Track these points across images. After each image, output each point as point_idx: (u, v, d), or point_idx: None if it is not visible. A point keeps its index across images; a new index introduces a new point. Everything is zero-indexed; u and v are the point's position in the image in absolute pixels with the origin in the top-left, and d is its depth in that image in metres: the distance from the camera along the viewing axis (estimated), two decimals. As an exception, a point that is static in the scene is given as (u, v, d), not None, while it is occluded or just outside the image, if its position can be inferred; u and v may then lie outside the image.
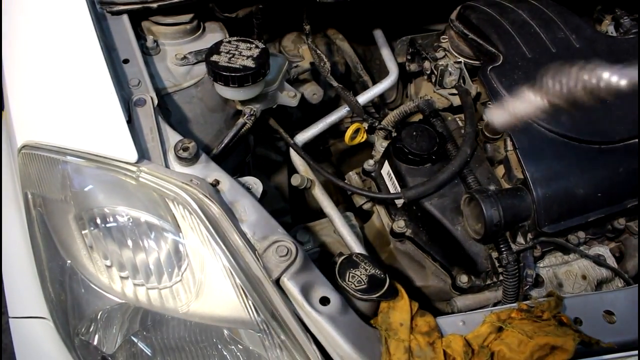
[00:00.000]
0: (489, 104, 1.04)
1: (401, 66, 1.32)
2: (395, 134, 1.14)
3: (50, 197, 0.85)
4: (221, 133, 1.09)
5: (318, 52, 1.22)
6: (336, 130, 1.42)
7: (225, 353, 0.79)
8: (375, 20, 1.40)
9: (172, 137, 0.90)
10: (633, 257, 1.07)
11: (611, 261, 1.03)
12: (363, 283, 0.79)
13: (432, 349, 0.76)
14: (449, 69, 1.19)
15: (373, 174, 1.18)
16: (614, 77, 0.97)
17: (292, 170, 1.21)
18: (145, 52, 1.08)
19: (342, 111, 1.19)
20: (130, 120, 0.88)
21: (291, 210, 1.42)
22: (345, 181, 1.21)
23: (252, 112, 1.05)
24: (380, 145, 1.22)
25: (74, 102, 0.88)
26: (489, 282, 1.00)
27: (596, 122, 1.00)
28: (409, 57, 1.31)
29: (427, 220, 1.04)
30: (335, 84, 1.16)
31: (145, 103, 0.92)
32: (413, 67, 1.31)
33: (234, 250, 0.78)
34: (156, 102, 0.93)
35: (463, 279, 1.00)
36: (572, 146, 0.97)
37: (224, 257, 0.77)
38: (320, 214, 1.17)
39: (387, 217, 1.14)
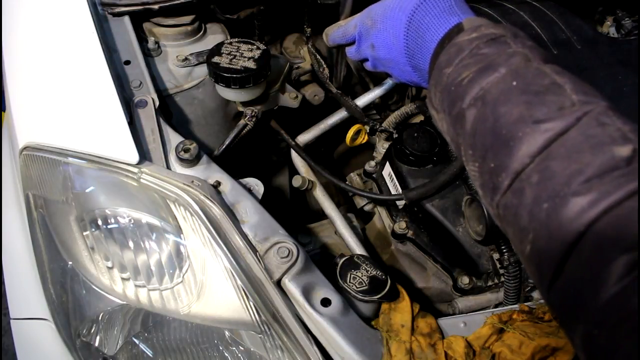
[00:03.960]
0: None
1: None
2: (397, 136, 1.14)
3: (51, 199, 0.85)
4: (222, 134, 1.09)
5: (317, 57, 1.22)
6: (337, 131, 1.42)
7: (226, 354, 0.79)
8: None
9: (174, 138, 0.90)
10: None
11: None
12: (364, 284, 0.79)
13: (434, 350, 0.76)
14: (450, 70, 1.19)
15: (374, 175, 1.18)
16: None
17: (293, 171, 1.21)
18: (147, 54, 1.08)
19: (344, 112, 1.19)
20: (132, 122, 0.88)
21: (292, 212, 1.42)
22: (347, 182, 1.21)
23: (253, 114, 1.05)
24: (382, 146, 1.23)
25: (75, 103, 0.88)
26: (490, 283, 1.00)
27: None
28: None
29: (428, 221, 1.04)
30: (334, 90, 1.16)
31: (146, 104, 0.92)
32: (414, 68, 1.30)
33: (235, 252, 0.78)
34: (157, 103, 0.93)
35: (464, 280, 1.00)
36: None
37: (225, 259, 0.77)
38: (322, 215, 1.17)
39: (389, 219, 1.14)
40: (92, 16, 0.98)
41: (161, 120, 0.91)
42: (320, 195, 1.14)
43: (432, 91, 0.65)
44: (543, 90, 0.53)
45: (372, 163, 1.19)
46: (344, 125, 1.20)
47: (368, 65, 0.86)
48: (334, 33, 0.89)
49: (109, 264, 0.81)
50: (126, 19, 1.07)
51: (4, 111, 1.02)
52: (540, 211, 0.48)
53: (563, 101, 0.51)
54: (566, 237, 0.45)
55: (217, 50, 0.98)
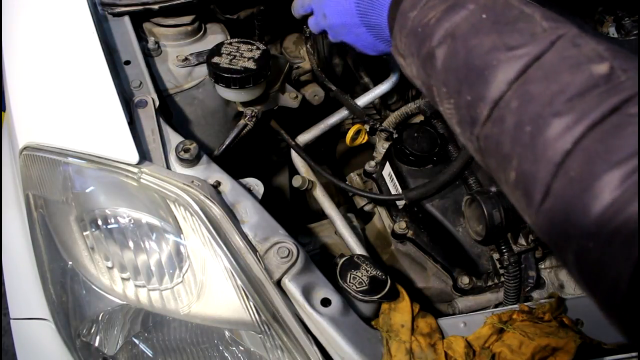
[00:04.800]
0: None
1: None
2: (397, 136, 1.14)
3: (51, 199, 0.85)
4: (222, 134, 1.09)
5: (316, 58, 1.22)
6: (337, 131, 1.42)
7: (226, 354, 0.79)
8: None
9: (174, 138, 0.90)
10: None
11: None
12: (364, 284, 0.79)
13: (434, 350, 0.76)
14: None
15: (374, 175, 1.18)
16: None
17: (294, 171, 1.21)
18: (147, 54, 1.08)
19: (344, 112, 1.19)
20: (132, 122, 0.88)
21: (292, 212, 1.42)
22: (347, 182, 1.21)
23: (253, 114, 1.05)
24: (382, 146, 1.23)
25: (75, 103, 0.88)
26: (490, 283, 1.00)
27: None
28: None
29: (428, 221, 1.04)
30: (333, 88, 1.16)
31: (146, 104, 0.92)
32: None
33: (235, 252, 0.78)
34: (157, 103, 0.93)
35: (464, 280, 1.00)
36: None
37: (225, 259, 0.77)
38: (322, 215, 1.17)
39: (389, 219, 1.14)
40: (92, 16, 0.98)
41: (161, 120, 0.91)
42: (320, 195, 1.14)
43: (397, 37, 0.65)
44: (513, 20, 0.53)
45: (372, 163, 1.19)
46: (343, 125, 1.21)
47: (329, 37, 0.87)
48: (295, 3, 0.91)
49: (109, 264, 0.81)
50: (126, 19, 1.07)
51: (4, 111, 1.02)
52: (524, 134, 0.47)
53: (534, 28, 0.52)
54: (553, 157, 0.45)
55: (217, 50, 0.98)
